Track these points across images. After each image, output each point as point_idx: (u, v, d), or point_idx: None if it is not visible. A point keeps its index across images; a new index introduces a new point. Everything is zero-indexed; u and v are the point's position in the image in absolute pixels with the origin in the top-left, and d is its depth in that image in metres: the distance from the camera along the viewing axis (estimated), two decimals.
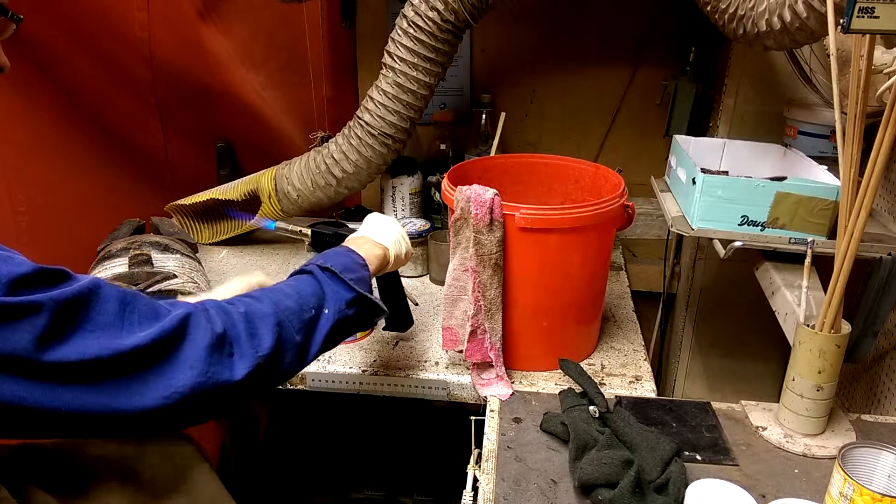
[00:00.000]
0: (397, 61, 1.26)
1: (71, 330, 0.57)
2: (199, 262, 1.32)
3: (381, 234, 0.98)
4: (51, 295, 0.56)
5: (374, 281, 1.10)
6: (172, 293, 1.13)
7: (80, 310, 0.59)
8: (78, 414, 0.57)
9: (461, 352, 1.02)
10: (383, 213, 1.55)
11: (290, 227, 1.08)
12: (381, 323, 1.14)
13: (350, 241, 0.96)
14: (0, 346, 0.54)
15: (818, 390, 0.87)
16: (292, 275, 0.84)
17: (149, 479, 0.93)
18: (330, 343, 0.80)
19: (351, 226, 1.54)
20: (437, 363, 1.11)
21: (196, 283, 1.19)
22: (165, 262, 1.21)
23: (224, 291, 0.96)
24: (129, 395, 0.60)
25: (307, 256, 1.47)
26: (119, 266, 1.17)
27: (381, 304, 0.86)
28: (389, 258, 0.96)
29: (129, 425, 0.61)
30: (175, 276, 1.16)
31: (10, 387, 0.54)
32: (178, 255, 1.25)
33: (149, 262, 1.19)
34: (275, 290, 0.77)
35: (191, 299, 0.92)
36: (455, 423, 1.07)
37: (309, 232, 1.08)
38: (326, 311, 0.78)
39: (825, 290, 0.85)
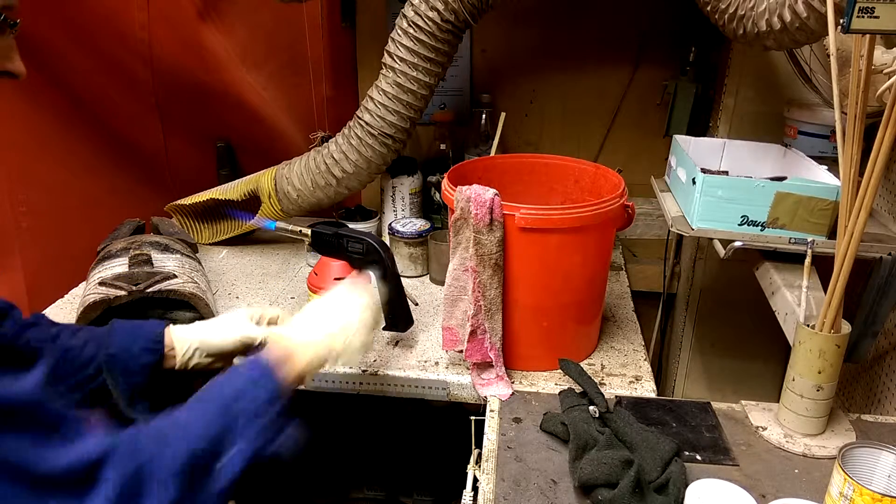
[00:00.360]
0: (397, 61, 1.26)
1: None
2: (199, 262, 1.32)
3: (308, 337, 0.85)
4: None
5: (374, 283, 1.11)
6: (172, 293, 1.13)
7: (20, 414, 0.57)
8: None
9: (461, 352, 1.02)
10: (383, 213, 1.55)
11: (291, 227, 1.08)
12: (382, 322, 1.14)
13: (277, 347, 0.81)
14: None
15: (818, 390, 0.87)
16: (195, 401, 0.74)
17: None
18: (230, 492, 0.71)
19: (351, 226, 1.55)
20: (437, 363, 1.11)
21: (196, 283, 1.19)
22: (165, 262, 1.21)
23: (226, 322, 0.92)
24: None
25: (307, 256, 1.48)
26: (119, 266, 1.17)
27: (288, 449, 0.76)
28: (308, 368, 0.82)
29: None
30: (175, 276, 1.16)
31: None
32: (178, 255, 1.25)
33: (149, 262, 1.19)
34: (185, 427, 0.69)
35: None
36: (455, 423, 1.07)
37: (309, 232, 1.08)
38: (227, 466, 0.70)
39: (825, 290, 0.85)
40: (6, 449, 0.55)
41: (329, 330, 0.85)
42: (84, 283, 1.24)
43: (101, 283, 1.13)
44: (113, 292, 1.10)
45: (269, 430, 0.72)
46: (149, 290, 1.12)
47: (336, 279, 1.11)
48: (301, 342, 0.82)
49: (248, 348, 0.93)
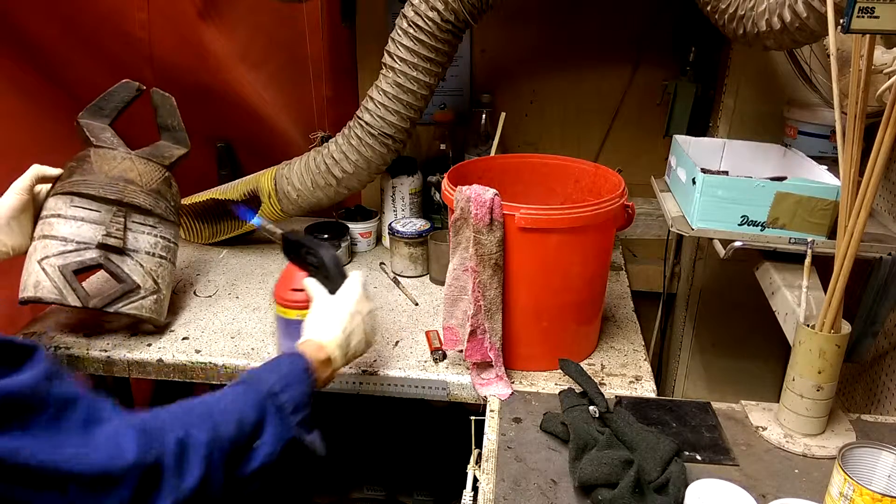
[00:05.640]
0: (397, 61, 1.26)
1: (5, 426, 0.55)
2: (177, 234, 1.21)
3: (337, 338, 0.90)
4: None
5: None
6: (126, 316, 1.11)
7: (19, 409, 0.56)
8: None
9: (461, 351, 1.02)
10: (383, 213, 1.55)
11: (270, 226, 1.04)
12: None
13: (313, 348, 0.87)
14: None
15: (818, 390, 0.87)
16: (237, 384, 0.78)
17: None
18: (259, 477, 0.74)
19: (351, 226, 1.54)
20: (436, 363, 1.11)
21: (157, 291, 1.13)
22: (138, 239, 1.11)
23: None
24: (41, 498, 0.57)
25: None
26: (86, 228, 1.06)
27: (318, 447, 0.81)
28: (335, 369, 0.90)
29: None
30: (136, 290, 1.10)
31: None
32: (156, 229, 1.14)
33: (120, 250, 1.09)
34: (215, 411, 0.71)
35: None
36: (455, 423, 1.07)
37: (281, 236, 1.02)
38: (261, 449, 0.73)
39: (825, 290, 0.85)
40: (4, 449, 0.54)
41: (349, 330, 0.92)
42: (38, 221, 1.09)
43: (55, 271, 1.04)
44: (65, 301, 1.05)
45: (301, 426, 0.77)
46: (104, 308, 1.08)
47: (293, 290, 1.03)
48: (335, 346, 0.89)
49: (33, 180, 1.06)
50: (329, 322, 0.91)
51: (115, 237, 1.08)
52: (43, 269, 1.05)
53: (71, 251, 1.06)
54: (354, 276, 0.97)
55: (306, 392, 0.79)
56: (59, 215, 1.06)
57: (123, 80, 1.17)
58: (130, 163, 1.12)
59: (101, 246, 1.07)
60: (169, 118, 1.21)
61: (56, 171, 1.09)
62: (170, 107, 1.22)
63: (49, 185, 1.09)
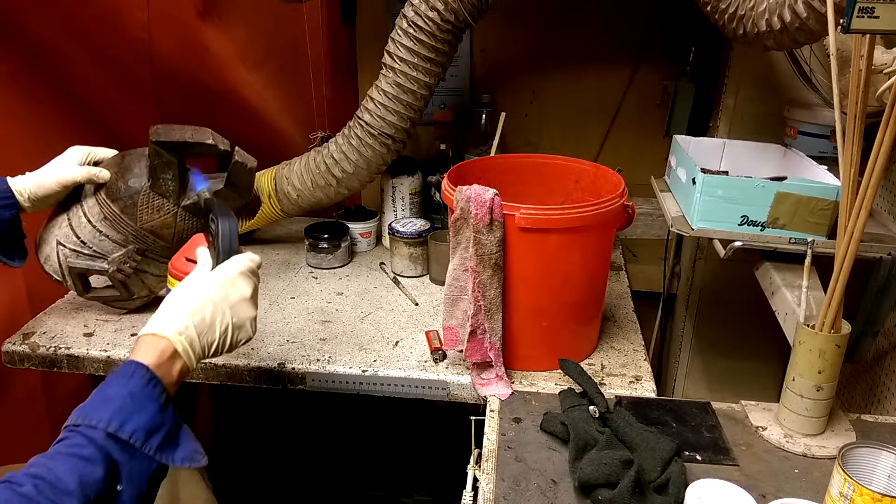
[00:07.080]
0: (397, 61, 1.26)
1: None
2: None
3: (182, 327, 0.75)
4: None
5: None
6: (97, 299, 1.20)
7: None
8: None
9: (461, 351, 1.02)
10: (383, 213, 1.55)
11: (206, 193, 0.96)
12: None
13: (151, 346, 0.73)
14: None
15: (818, 390, 0.87)
16: (70, 432, 0.64)
17: None
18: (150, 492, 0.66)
19: (351, 226, 1.53)
20: (436, 363, 1.11)
21: (149, 295, 1.22)
22: (150, 264, 1.15)
23: (51, 167, 1.06)
24: None
25: (307, 256, 1.47)
26: (109, 246, 1.10)
27: (196, 461, 0.70)
28: (188, 363, 0.75)
29: None
30: (130, 296, 1.19)
31: None
32: (160, 273, 1.18)
33: (127, 280, 1.14)
34: (53, 481, 0.60)
35: None
36: (455, 423, 1.07)
37: (205, 201, 0.94)
38: (123, 495, 0.63)
39: (825, 290, 0.85)
40: None
41: (205, 319, 0.78)
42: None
43: (65, 262, 1.12)
44: (65, 285, 1.15)
45: (164, 448, 0.67)
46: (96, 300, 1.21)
47: (187, 259, 0.91)
48: (180, 339, 0.75)
49: (75, 183, 1.08)
50: (178, 306, 0.77)
51: (124, 273, 1.13)
52: (56, 251, 1.12)
53: (85, 254, 1.12)
54: (240, 256, 0.84)
55: (157, 408, 0.68)
56: (89, 220, 1.11)
57: (211, 140, 1.05)
58: (172, 219, 1.09)
59: (114, 268, 1.13)
60: (239, 180, 1.09)
61: (106, 177, 1.09)
62: (247, 171, 1.09)
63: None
